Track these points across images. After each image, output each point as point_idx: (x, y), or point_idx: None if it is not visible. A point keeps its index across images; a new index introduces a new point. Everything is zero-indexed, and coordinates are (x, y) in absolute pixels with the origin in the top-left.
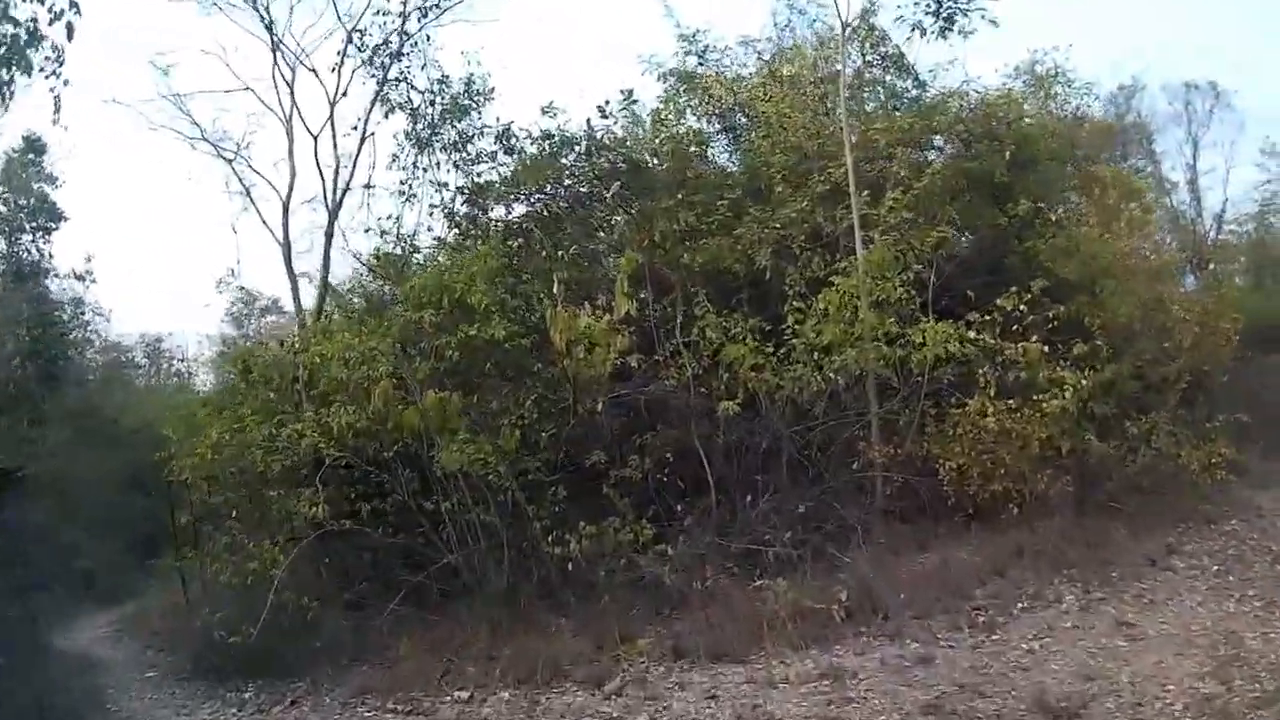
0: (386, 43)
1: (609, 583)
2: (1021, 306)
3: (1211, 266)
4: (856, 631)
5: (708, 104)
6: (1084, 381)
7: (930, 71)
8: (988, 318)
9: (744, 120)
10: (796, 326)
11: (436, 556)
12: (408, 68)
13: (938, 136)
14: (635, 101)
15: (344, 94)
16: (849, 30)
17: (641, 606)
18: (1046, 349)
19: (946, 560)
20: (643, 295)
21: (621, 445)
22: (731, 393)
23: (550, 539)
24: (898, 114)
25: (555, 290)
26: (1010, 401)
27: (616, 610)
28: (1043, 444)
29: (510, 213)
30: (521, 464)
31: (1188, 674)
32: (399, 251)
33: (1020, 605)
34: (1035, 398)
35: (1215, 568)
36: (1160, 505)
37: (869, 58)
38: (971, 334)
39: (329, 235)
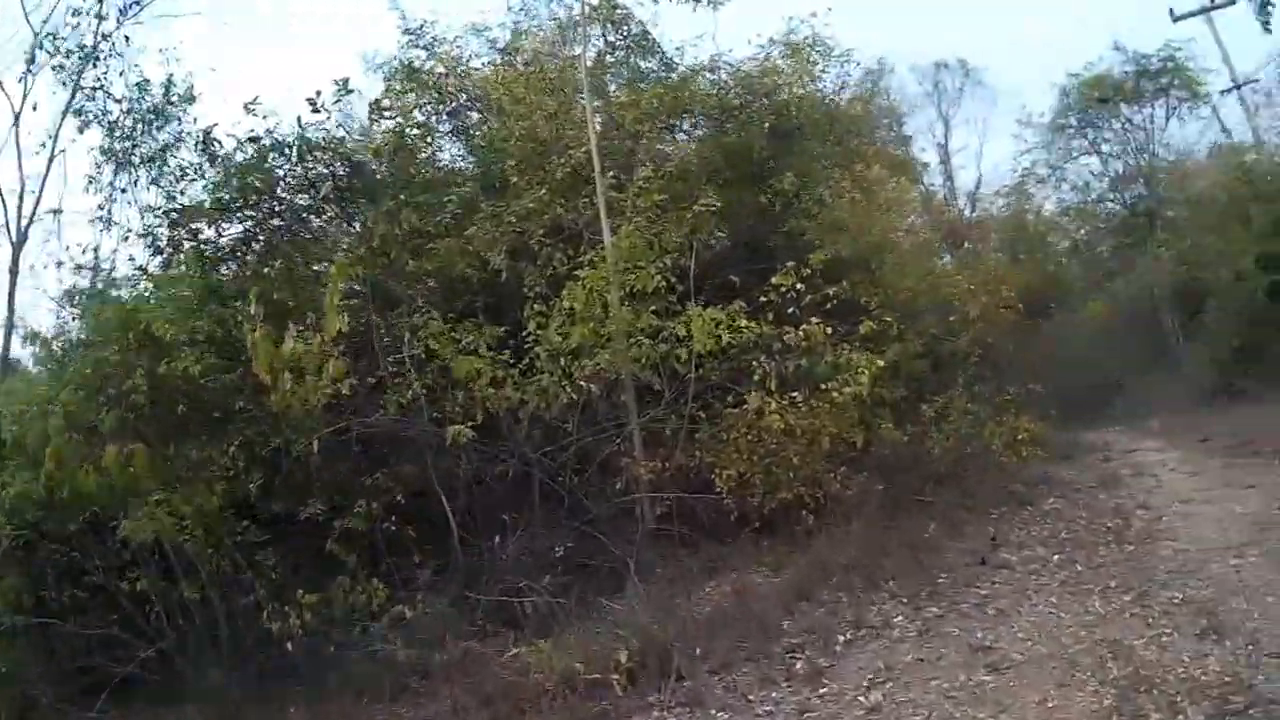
0: (81, 46)
1: (339, 660)
2: (798, 285)
3: (967, 245)
4: (644, 703)
5: (437, 97)
6: (879, 363)
7: (678, 49)
8: (763, 299)
9: (477, 115)
10: (539, 331)
11: (142, 645)
12: (105, 74)
13: (690, 114)
14: (351, 92)
15: (34, 107)
16: (590, 9)
17: (376, 688)
18: (830, 331)
19: (741, 590)
20: (365, 311)
21: (347, 490)
22: (470, 414)
23: (268, 612)
24: (644, 90)
25: (254, 311)
26: (794, 395)
27: (349, 696)
28: (834, 439)
29: (222, 233)
30: (228, 525)
31: (1087, 714)
32: (96, 286)
33: (843, 638)
34: (822, 387)
35: (1055, 557)
36: (970, 493)
37: (612, 38)
38: (744, 322)
39: (13, 271)
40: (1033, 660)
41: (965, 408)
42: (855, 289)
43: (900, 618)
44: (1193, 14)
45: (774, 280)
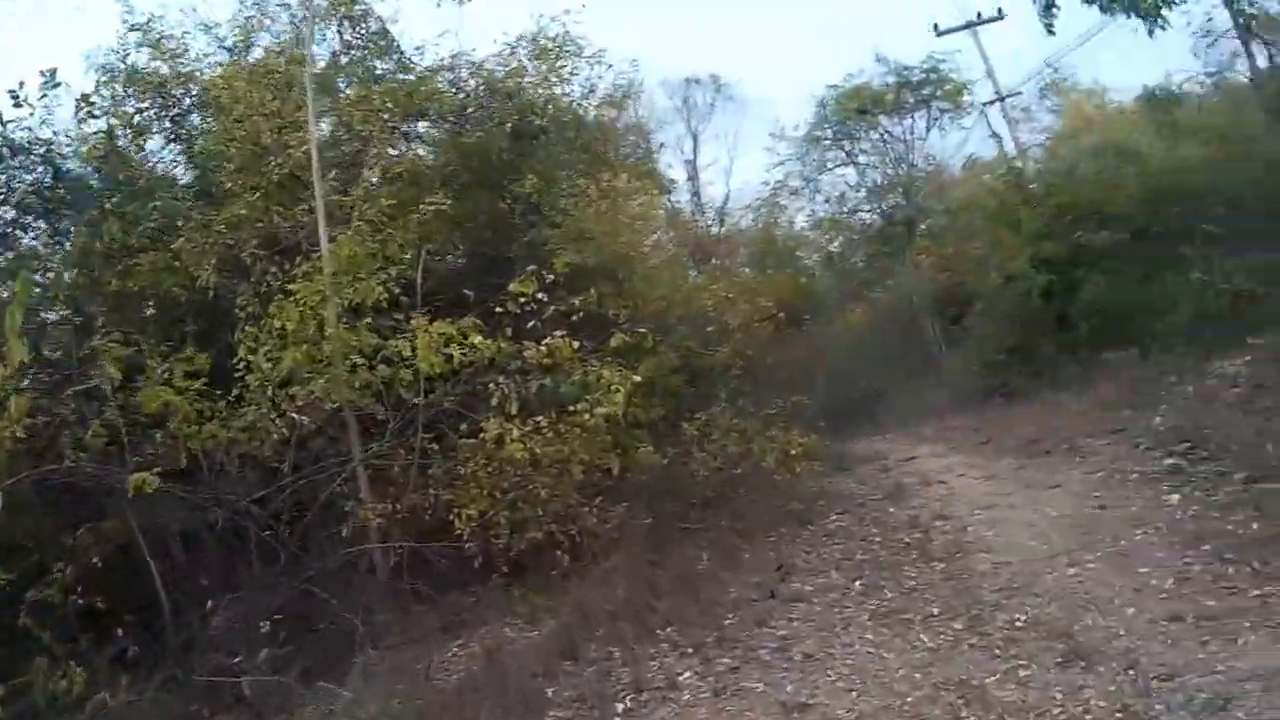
0: None
1: None
2: (540, 295)
3: (715, 261)
4: None
5: (160, 99)
6: (634, 379)
7: (418, 48)
8: (499, 311)
9: (198, 120)
10: (249, 357)
11: None
12: None
13: (426, 114)
14: (58, 85)
15: None
16: (326, 4)
17: None
18: (577, 346)
19: (493, 649)
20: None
21: (44, 552)
22: (173, 458)
23: None
24: (377, 89)
25: None
26: (538, 420)
27: None
28: (586, 467)
29: None
30: None
31: None
32: None
33: (621, 705)
34: (571, 410)
35: (857, 583)
36: (743, 515)
37: (349, 36)
38: (477, 338)
39: None
40: (865, 717)
41: (730, 424)
42: (603, 300)
43: (688, 674)
44: (957, 29)
45: (512, 288)
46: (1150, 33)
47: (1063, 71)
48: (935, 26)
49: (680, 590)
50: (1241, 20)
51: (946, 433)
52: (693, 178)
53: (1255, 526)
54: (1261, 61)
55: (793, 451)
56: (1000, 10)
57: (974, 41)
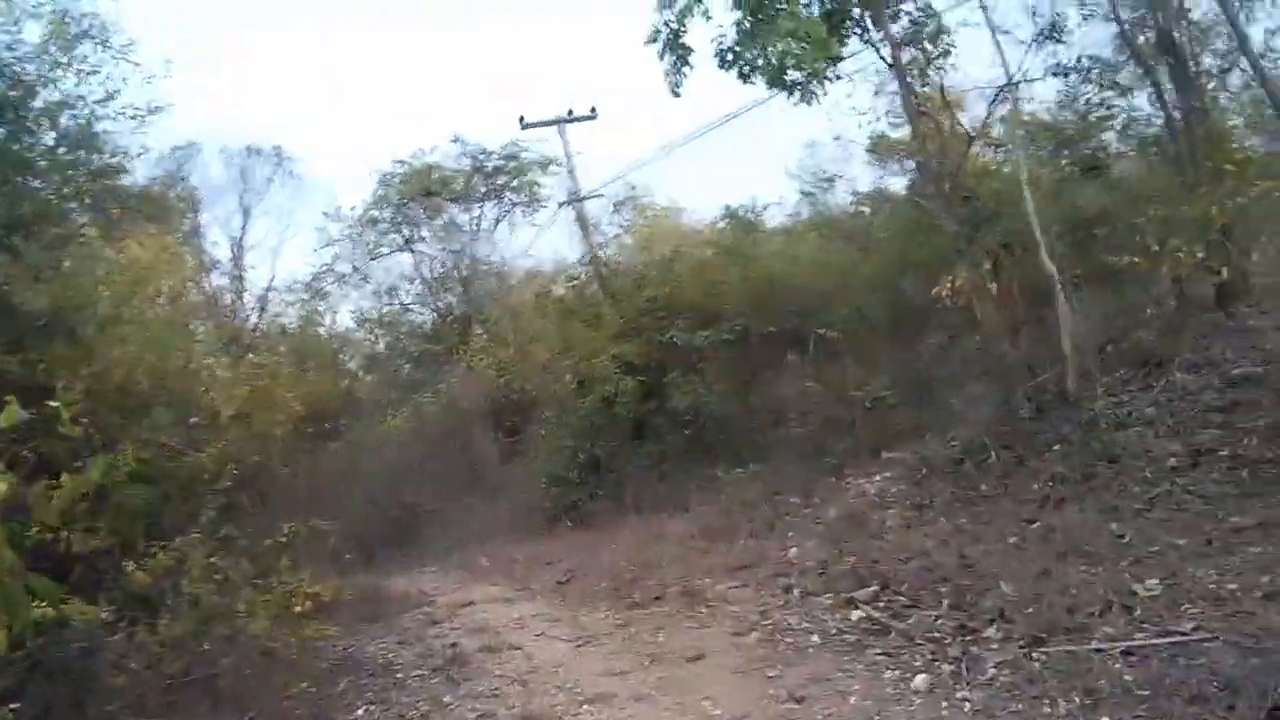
0: None
1: None
2: None
3: (251, 357)
4: None
5: None
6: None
7: None
8: None
9: None
10: None
11: None
12: None
13: None
14: None
15: None
16: None
17: None
18: None
19: None
20: None
21: None
22: None
23: None
24: None
25: None
26: None
27: None
28: None
29: None
30: None
31: None
32: None
33: None
34: None
35: None
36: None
37: None
38: None
39: None
40: None
41: (206, 563)
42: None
43: None
44: (545, 123)
45: None
46: (807, 102)
47: (642, 190)
48: (521, 119)
49: None
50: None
51: (512, 566)
52: (236, 257)
53: None
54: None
55: (298, 607)
56: (594, 109)
57: (560, 139)
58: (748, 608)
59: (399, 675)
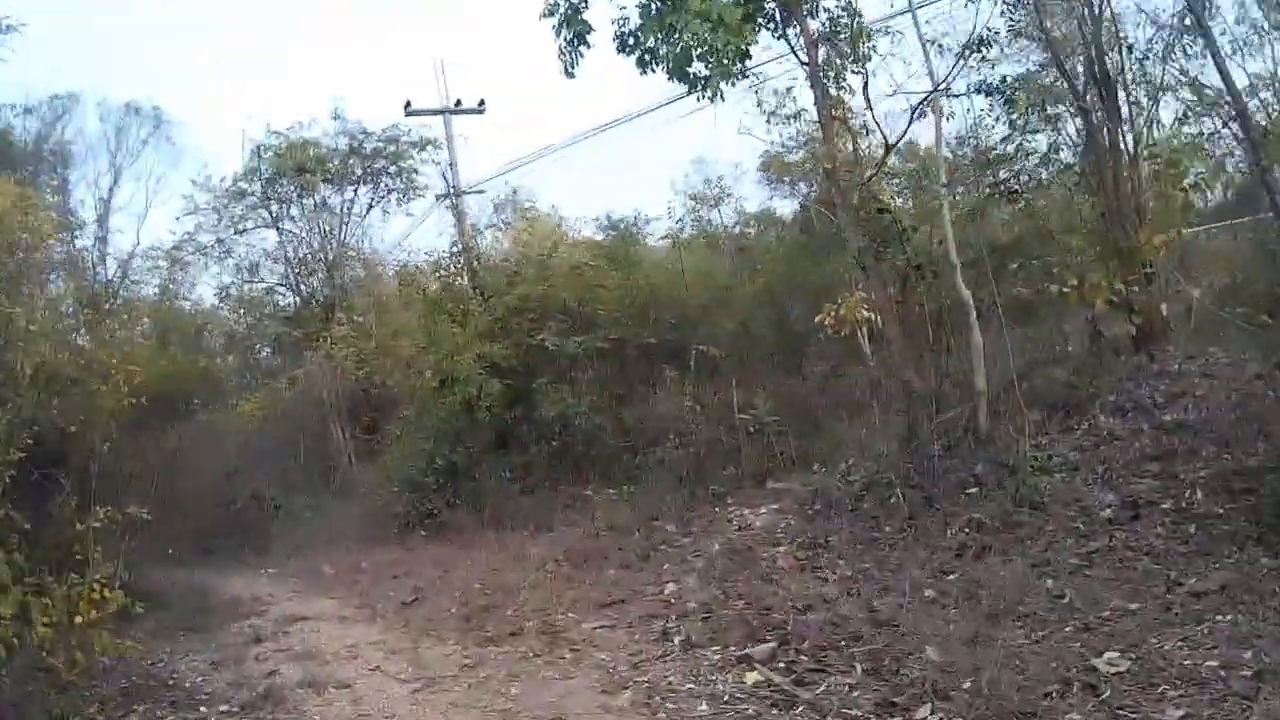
0: None
1: None
2: None
3: (113, 329)
4: None
5: None
6: None
7: None
8: None
9: None
10: None
11: None
12: None
13: None
14: None
15: None
16: None
17: None
18: None
19: None
20: None
21: None
22: None
23: None
24: None
25: None
26: None
27: None
28: None
29: None
30: None
31: None
32: None
33: None
34: None
35: None
36: None
37: None
38: None
39: None
40: None
41: None
42: None
43: None
44: (430, 112)
45: None
46: (711, 98)
47: (525, 193)
48: (408, 104)
49: None
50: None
51: (356, 576)
52: (102, 219)
53: None
54: None
55: (79, 617)
56: (482, 102)
57: (445, 129)
58: (618, 655)
59: (203, 709)
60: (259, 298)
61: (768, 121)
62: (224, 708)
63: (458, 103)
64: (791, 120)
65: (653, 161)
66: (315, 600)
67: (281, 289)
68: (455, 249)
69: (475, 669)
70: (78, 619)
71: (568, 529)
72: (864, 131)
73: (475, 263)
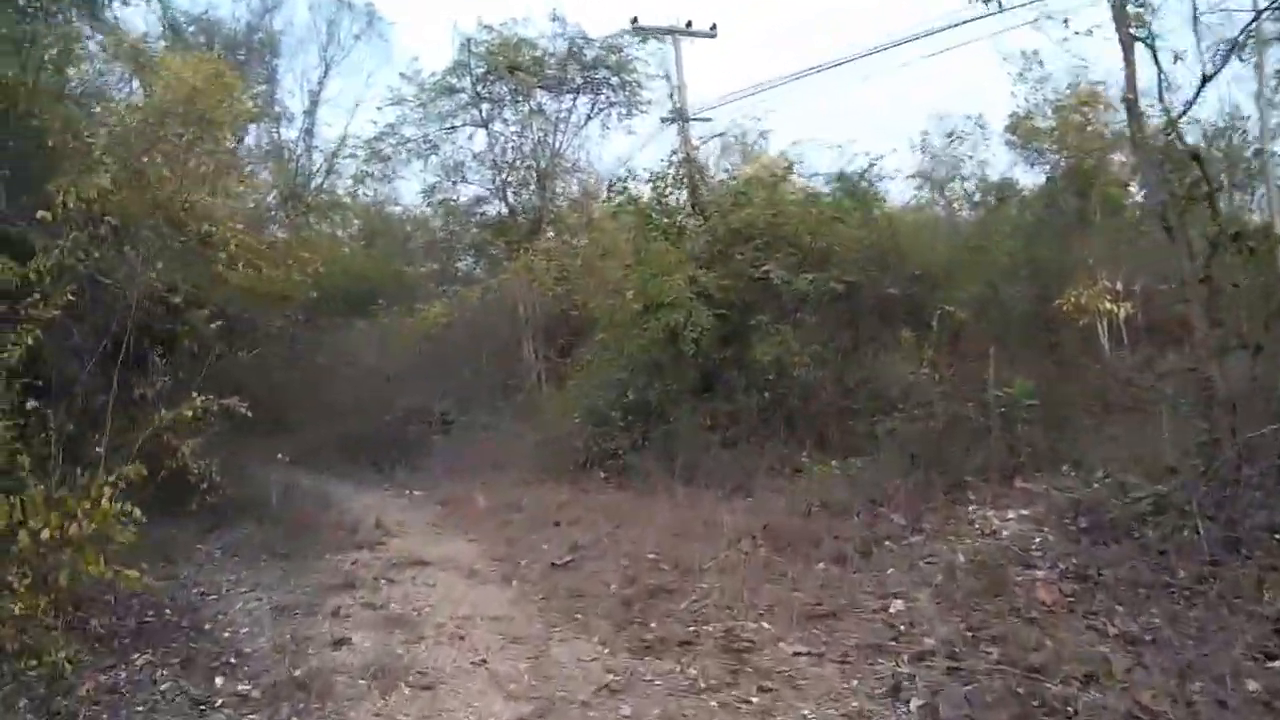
0: None
1: None
2: None
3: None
4: None
5: None
6: None
7: None
8: None
9: None
10: None
11: None
12: None
13: None
14: None
15: None
16: None
17: None
18: None
19: None
20: None
21: None
22: None
23: None
24: None
25: None
26: None
27: None
28: None
29: None
30: None
31: None
32: None
33: None
34: None
35: None
36: None
37: None
38: None
39: None
40: None
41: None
42: None
43: None
44: (659, 31)
45: None
46: None
47: (750, 136)
48: (634, 20)
49: None
50: None
51: (511, 515)
52: (310, 112)
53: None
54: None
55: (74, 528)
56: (714, 25)
57: (674, 50)
58: (826, 711)
59: (218, 681)
60: (466, 206)
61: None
62: (242, 687)
63: (688, 24)
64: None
65: (886, 113)
66: (449, 540)
67: (489, 196)
68: (676, 157)
69: (618, 697)
70: (73, 528)
71: (770, 497)
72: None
73: (697, 175)
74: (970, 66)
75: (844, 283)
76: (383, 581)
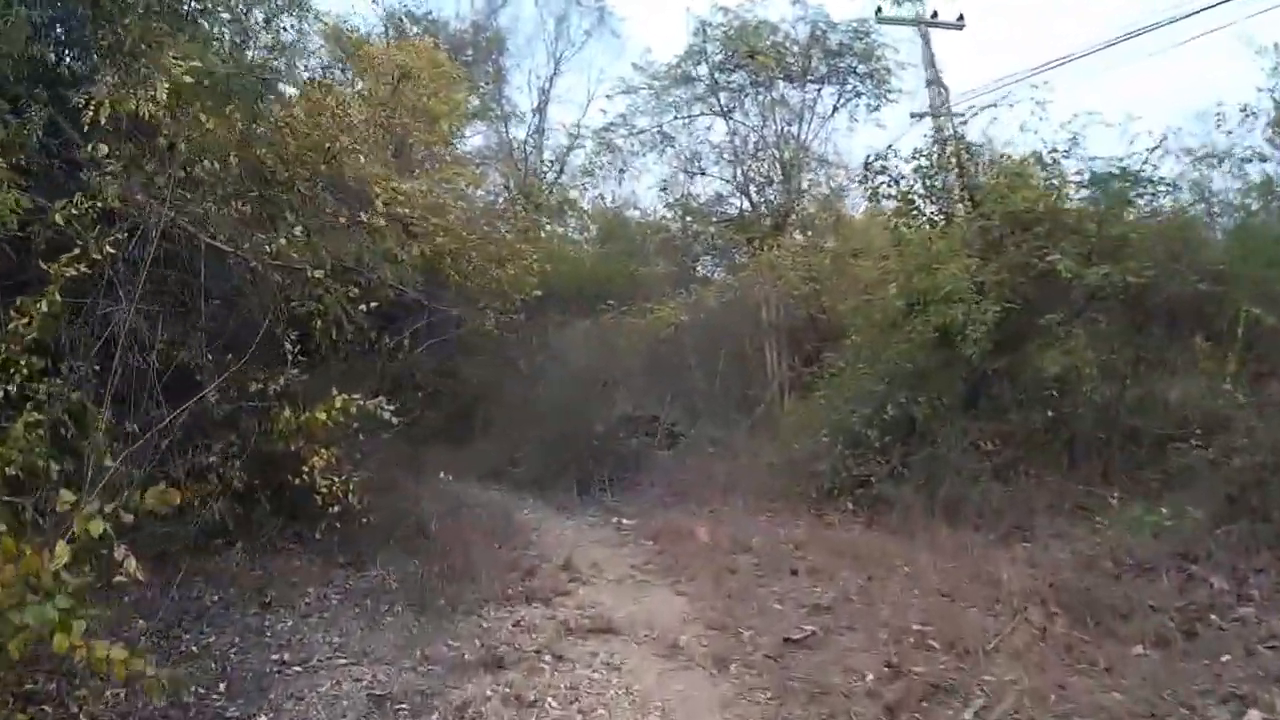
0: None
1: None
2: None
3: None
4: None
5: None
6: None
7: None
8: None
9: None
10: None
11: None
12: None
13: None
14: None
15: None
16: None
17: None
18: None
19: None
20: None
21: None
22: None
23: None
24: None
25: None
26: None
27: None
28: None
29: None
30: None
31: None
32: None
33: None
34: None
35: None
36: None
37: None
38: None
39: None
40: None
41: None
42: None
43: None
44: (904, 21)
45: None
46: None
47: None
48: (879, 10)
49: None
50: None
51: (737, 556)
52: (540, 109)
53: None
54: None
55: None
56: (961, 16)
57: (921, 41)
58: None
59: None
60: (705, 203)
61: None
62: None
63: (934, 14)
64: None
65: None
66: (653, 591)
67: (728, 193)
68: (940, 135)
69: None
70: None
71: (1054, 544)
72: None
73: (965, 154)
74: (1206, 59)
75: (1144, 277)
76: (546, 658)
